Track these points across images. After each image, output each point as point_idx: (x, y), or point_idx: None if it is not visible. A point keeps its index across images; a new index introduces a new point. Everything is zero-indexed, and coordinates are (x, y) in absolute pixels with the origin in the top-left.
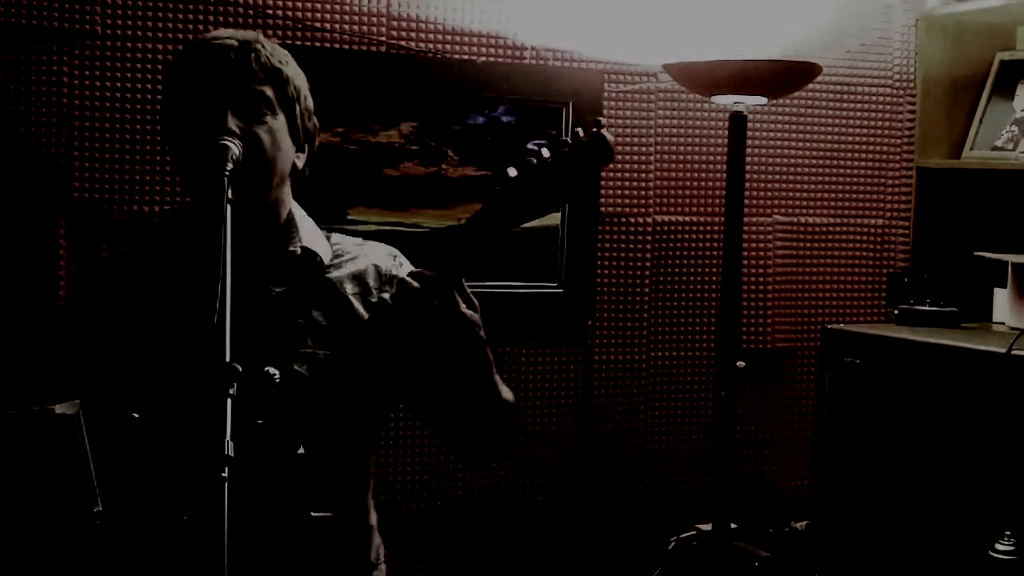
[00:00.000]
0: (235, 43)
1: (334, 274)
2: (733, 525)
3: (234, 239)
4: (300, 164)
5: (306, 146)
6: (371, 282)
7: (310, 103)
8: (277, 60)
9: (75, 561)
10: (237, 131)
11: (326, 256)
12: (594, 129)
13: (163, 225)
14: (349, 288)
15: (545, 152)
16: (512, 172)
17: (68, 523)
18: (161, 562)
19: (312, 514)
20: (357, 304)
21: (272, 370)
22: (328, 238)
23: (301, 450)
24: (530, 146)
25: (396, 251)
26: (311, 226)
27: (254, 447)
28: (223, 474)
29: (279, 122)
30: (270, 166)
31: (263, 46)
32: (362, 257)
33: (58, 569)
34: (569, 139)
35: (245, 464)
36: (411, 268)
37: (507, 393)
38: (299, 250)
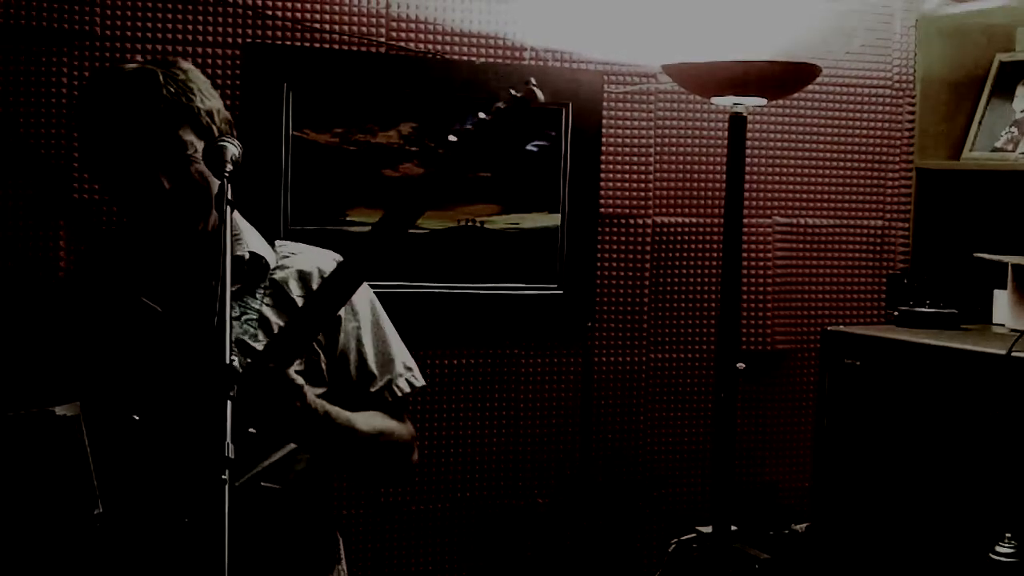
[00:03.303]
0: (152, 105)
1: (279, 275)
2: (733, 527)
3: (179, 253)
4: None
5: None
6: (314, 285)
7: (222, 111)
8: (184, 94)
9: (75, 563)
10: (168, 186)
11: (271, 260)
12: (519, 93)
13: (99, 248)
14: (294, 288)
15: (482, 115)
16: (452, 138)
17: (68, 525)
18: (161, 564)
19: (262, 484)
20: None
21: (233, 358)
22: (272, 245)
23: (252, 429)
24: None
25: (340, 256)
26: (255, 235)
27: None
28: (223, 476)
29: (200, 147)
30: (207, 195)
31: (168, 87)
32: (307, 259)
33: (58, 571)
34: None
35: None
36: None
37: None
38: (247, 255)
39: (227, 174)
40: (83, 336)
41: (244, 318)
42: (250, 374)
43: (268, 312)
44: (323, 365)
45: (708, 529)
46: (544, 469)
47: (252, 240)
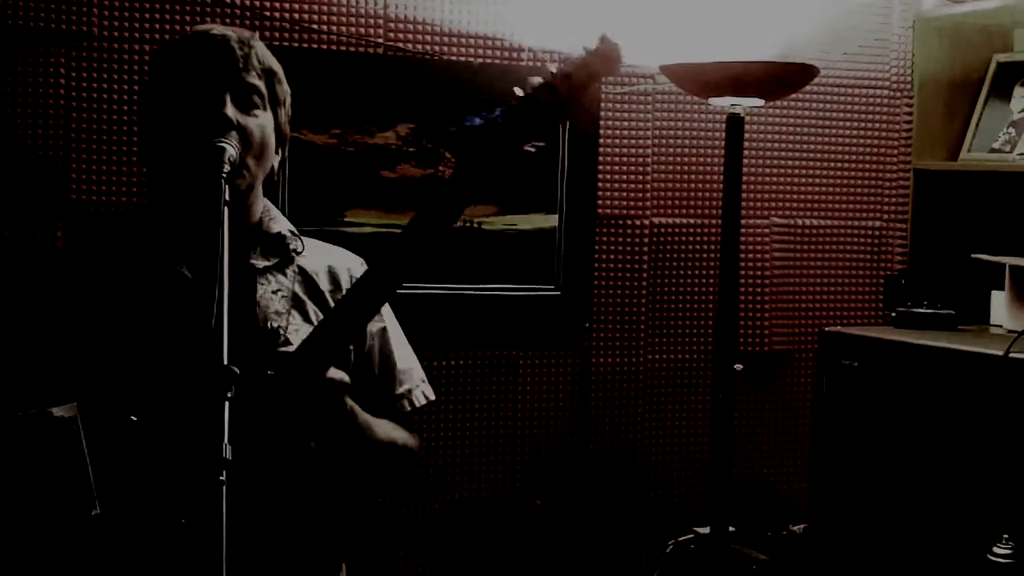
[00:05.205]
0: (235, 36)
1: (311, 264)
2: (731, 528)
3: (213, 225)
4: (276, 167)
5: (280, 150)
6: (344, 283)
7: (290, 110)
8: (271, 61)
9: (73, 565)
10: (234, 120)
11: (299, 247)
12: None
13: (123, 222)
14: (324, 283)
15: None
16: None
17: (66, 527)
18: (159, 565)
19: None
20: (330, 301)
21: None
22: (298, 237)
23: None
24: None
25: (363, 260)
26: (284, 220)
27: (248, 426)
28: (221, 478)
29: (267, 118)
30: (260, 154)
31: (259, 45)
32: (336, 257)
33: (56, 572)
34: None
35: (239, 441)
36: None
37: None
38: (284, 231)
39: (224, 175)
40: (87, 327)
41: (279, 293)
42: (291, 374)
43: (299, 291)
44: (351, 359)
45: (706, 530)
46: (542, 470)
47: (282, 224)
